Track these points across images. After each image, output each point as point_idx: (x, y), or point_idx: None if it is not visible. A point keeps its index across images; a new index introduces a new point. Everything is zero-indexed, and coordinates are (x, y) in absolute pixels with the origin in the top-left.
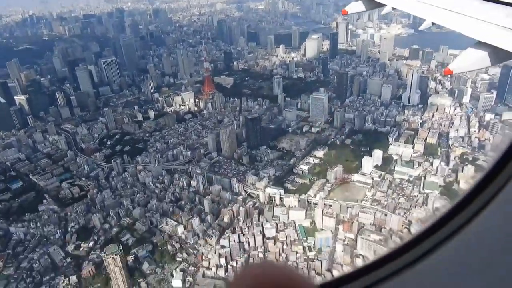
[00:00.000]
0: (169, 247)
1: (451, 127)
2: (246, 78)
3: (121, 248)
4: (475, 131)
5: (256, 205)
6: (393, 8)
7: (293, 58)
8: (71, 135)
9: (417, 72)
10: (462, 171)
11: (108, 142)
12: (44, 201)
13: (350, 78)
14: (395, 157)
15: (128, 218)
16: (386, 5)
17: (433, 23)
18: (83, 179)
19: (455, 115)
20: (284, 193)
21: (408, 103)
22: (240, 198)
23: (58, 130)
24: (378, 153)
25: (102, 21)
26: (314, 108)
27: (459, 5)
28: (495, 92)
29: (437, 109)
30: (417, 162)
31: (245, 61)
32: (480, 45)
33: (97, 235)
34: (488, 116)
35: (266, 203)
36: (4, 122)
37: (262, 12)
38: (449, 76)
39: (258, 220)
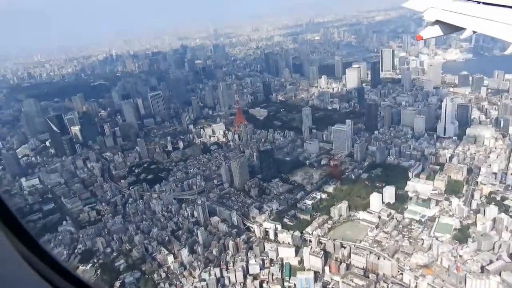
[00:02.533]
0: (155, 275)
1: (486, 161)
2: (281, 110)
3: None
4: (509, 167)
5: (251, 239)
6: (474, 32)
7: (333, 88)
8: (108, 162)
9: (452, 100)
10: (484, 213)
11: (136, 170)
12: (64, 222)
13: (383, 109)
14: (411, 195)
15: (127, 244)
16: (466, 29)
17: None
18: (103, 204)
19: (495, 148)
20: (282, 228)
21: (444, 134)
22: (234, 231)
23: (98, 157)
24: (390, 190)
25: (166, 57)
26: (336, 140)
27: None
28: None
29: (474, 141)
30: (435, 201)
31: (285, 92)
32: None
33: (97, 258)
34: None
35: (261, 237)
36: (57, 149)
37: (317, 43)
38: (496, 104)
39: (246, 255)
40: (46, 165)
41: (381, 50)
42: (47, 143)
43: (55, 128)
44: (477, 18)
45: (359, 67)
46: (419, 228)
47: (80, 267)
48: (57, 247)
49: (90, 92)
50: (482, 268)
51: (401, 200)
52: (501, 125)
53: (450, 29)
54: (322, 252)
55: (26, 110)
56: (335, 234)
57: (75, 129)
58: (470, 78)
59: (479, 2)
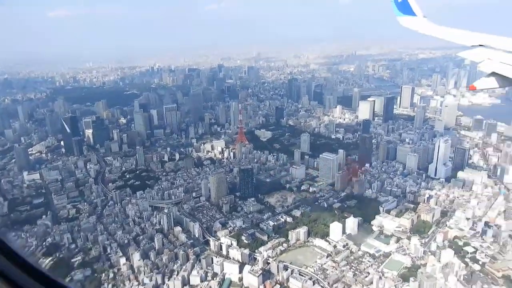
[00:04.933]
0: (103, 275)
1: (464, 207)
2: (286, 134)
3: None
4: (487, 215)
5: (204, 252)
6: None
7: (344, 119)
8: (106, 165)
9: (446, 142)
10: (440, 256)
11: (127, 176)
12: (44, 216)
13: (381, 143)
14: (375, 229)
15: (90, 243)
16: None
17: None
18: (85, 203)
19: (482, 195)
20: (237, 245)
21: (435, 175)
22: (190, 242)
23: (99, 160)
24: (353, 221)
25: (200, 74)
26: (323, 168)
27: None
28: None
29: (463, 185)
30: (396, 238)
31: (296, 118)
32: None
33: (60, 252)
34: None
35: (215, 251)
36: (67, 149)
37: (348, 74)
38: (499, 152)
39: (193, 266)
40: (53, 162)
41: (401, 87)
42: (62, 143)
43: (67, 129)
44: None
45: (374, 100)
46: (370, 262)
47: (41, 259)
48: (30, 238)
49: (119, 99)
50: None
51: (364, 232)
52: (498, 173)
53: (507, 82)
54: (261, 272)
55: (55, 110)
56: (287, 257)
57: (88, 132)
58: (484, 123)
59: None
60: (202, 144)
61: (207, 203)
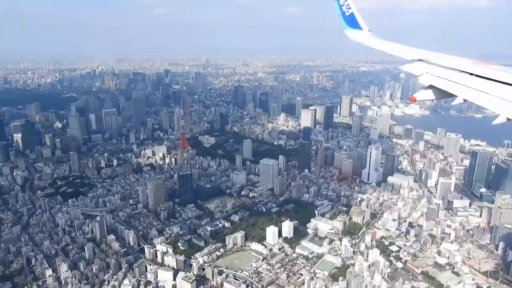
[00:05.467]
0: None
1: (391, 209)
2: (230, 140)
3: None
4: (411, 216)
5: (138, 260)
6: (465, 100)
7: (288, 126)
8: (35, 172)
9: (377, 149)
10: (367, 255)
11: (59, 183)
12: None
13: (320, 150)
14: (310, 231)
15: (11, 255)
16: (457, 96)
17: (508, 119)
18: (9, 212)
19: (407, 197)
20: (173, 252)
21: (368, 180)
22: (123, 251)
23: (28, 166)
24: (289, 225)
25: (145, 79)
26: (263, 173)
27: None
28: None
29: (392, 189)
30: (329, 240)
31: (241, 124)
32: None
33: None
34: (437, 202)
35: (150, 259)
36: None
37: (294, 83)
38: (425, 159)
39: (125, 275)
40: None
41: (341, 97)
42: None
43: None
44: (469, 88)
45: (315, 109)
46: (303, 263)
47: None
48: None
49: (56, 102)
50: None
51: (299, 235)
52: (423, 177)
53: (443, 94)
54: (194, 278)
55: None
56: (223, 262)
57: (17, 136)
58: (413, 131)
59: (472, 74)
60: (143, 150)
61: (144, 210)
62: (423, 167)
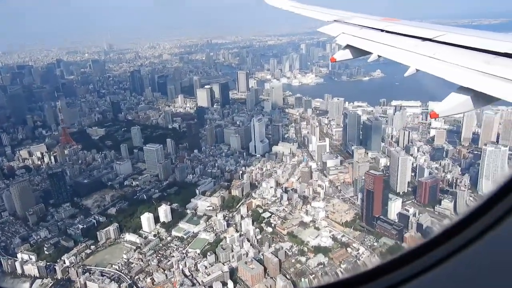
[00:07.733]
0: None
1: (270, 177)
2: (122, 129)
3: None
4: (288, 181)
5: None
6: (379, 56)
7: (185, 108)
8: None
9: (258, 121)
10: (241, 226)
11: None
12: None
13: (208, 129)
14: (189, 212)
15: None
16: (372, 53)
17: (417, 70)
18: None
19: (289, 164)
20: (37, 259)
21: (255, 152)
22: None
23: None
24: (165, 209)
25: (32, 72)
26: (149, 160)
27: (442, 54)
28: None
29: (275, 157)
30: (207, 217)
31: (136, 111)
32: (462, 90)
33: None
34: (313, 164)
35: (8, 272)
36: None
37: (199, 63)
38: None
39: None
40: None
41: (236, 73)
42: None
43: None
44: (381, 45)
45: (211, 87)
46: (177, 245)
47: None
48: None
49: None
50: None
51: (178, 218)
52: (306, 143)
53: (359, 53)
54: (52, 284)
55: None
56: (94, 260)
57: None
58: (303, 100)
59: (382, 31)
60: (18, 152)
61: (11, 218)
62: (307, 133)
